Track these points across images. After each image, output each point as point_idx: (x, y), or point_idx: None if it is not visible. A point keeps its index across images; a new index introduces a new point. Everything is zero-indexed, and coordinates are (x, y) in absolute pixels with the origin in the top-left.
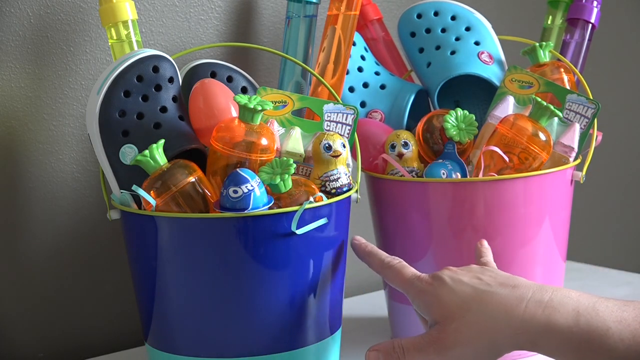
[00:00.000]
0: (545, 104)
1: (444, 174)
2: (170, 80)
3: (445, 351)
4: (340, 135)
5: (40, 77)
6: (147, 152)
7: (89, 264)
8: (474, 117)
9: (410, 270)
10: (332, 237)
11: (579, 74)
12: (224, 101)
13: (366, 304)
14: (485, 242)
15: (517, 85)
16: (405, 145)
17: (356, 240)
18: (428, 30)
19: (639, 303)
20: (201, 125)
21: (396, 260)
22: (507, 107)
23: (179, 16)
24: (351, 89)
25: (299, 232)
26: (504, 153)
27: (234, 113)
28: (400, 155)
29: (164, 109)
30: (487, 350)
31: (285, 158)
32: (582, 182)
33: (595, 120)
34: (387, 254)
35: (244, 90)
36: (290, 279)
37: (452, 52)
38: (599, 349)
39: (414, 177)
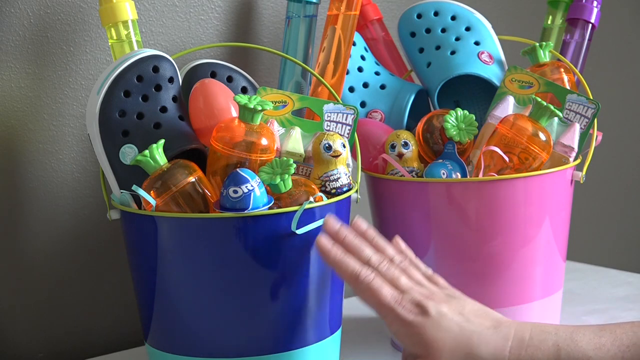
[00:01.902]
0: (545, 104)
1: (444, 174)
2: (170, 80)
3: None
4: (340, 135)
5: (40, 77)
6: (147, 152)
7: (89, 264)
8: (474, 117)
9: (388, 290)
10: None
11: (579, 74)
12: (224, 101)
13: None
14: (400, 241)
15: (517, 85)
16: (405, 145)
17: (323, 243)
18: (428, 30)
19: (614, 326)
20: (201, 125)
21: (371, 276)
22: (507, 107)
23: (179, 16)
24: (351, 89)
25: (299, 232)
26: (504, 153)
27: (234, 113)
28: (400, 155)
29: (164, 109)
30: None
31: (285, 158)
32: (582, 182)
33: (595, 120)
34: (360, 264)
35: (244, 90)
36: (290, 279)
37: (452, 52)
38: None
39: (414, 177)
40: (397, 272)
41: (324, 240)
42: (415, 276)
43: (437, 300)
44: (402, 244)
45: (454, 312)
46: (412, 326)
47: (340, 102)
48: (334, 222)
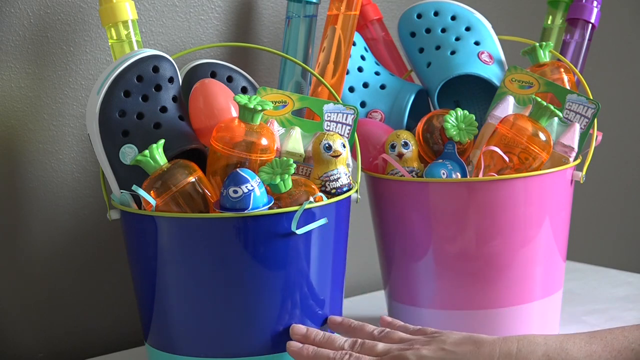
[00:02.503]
0: (545, 104)
1: (444, 174)
2: (170, 80)
3: None
4: (340, 135)
5: (40, 77)
6: (147, 152)
7: (89, 264)
8: (474, 117)
9: (365, 359)
10: (332, 237)
11: (579, 74)
12: (224, 101)
13: (366, 304)
14: (387, 318)
15: (517, 85)
16: (405, 145)
17: (292, 347)
18: (428, 30)
19: (604, 332)
20: (201, 125)
21: (346, 356)
22: (507, 107)
23: (179, 16)
24: (351, 89)
25: (299, 232)
26: (504, 153)
27: (234, 113)
28: (400, 155)
29: (164, 109)
30: None
31: (285, 158)
32: (582, 182)
33: (595, 120)
34: (333, 351)
35: (244, 90)
36: (290, 278)
37: (452, 52)
38: None
39: (414, 177)
40: (372, 342)
41: (292, 343)
42: (395, 338)
43: (416, 348)
44: (387, 320)
45: (435, 350)
46: None
47: (340, 102)
48: (299, 328)
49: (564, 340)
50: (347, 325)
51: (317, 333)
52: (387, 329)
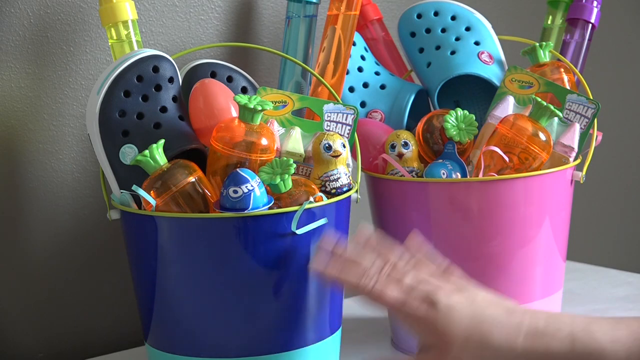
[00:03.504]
0: (545, 104)
1: (444, 174)
2: (170, 80)
3: None
4: (340, 135)
5: (40, 77)
6: (147, 152)
7: (89, 264)
8: (474, 117)
9: (392, 290)
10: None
11: (579, 74)
12: (224, 101)
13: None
14: (414, 241)
15: (517, 85)
16: (405, 145)
17: (316, 266)
18: (428, 30)
19: (631, 320)
20: (201, 125)
21: (371, 283)
22: (507, 107)
23: (179, 16)
24: (351, 89)
25: (299, 232)
26: (504, 153)
27: (234, 113)
28: (400, 155)
29: (164, 109)
30: None
31: (285, 158)
32: (582, 182)
33: (595, 120)
34: (359, 274)
35: (244, 90)
36: (290, 278)
37: (452, 52)
38: None
39: (414, 177)
40: (401, 272)
41: (315, 264)
42: (423, 272)
43: (446, 292)
44: (417, 240)
45: (465, 302)
46: (423, 321)
47: (340, 102)
48: (329, 241)
49: (590, 322)
50: (374, 245)
51: (344, 249)
52: (419, 257)
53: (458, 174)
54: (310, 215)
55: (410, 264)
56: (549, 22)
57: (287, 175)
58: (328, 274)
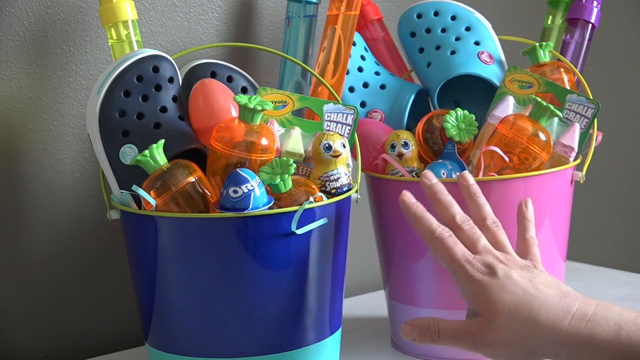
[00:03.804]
0: (545, 104)
1: (444, 174)
2: (170, 80)
3: (482, 346)
4: (340, 135)
5: (40, 77)
6: (147, 152)
7: (89, 264)
8: (474, 117)
9: (461, 248)
10: (332, 237)
11: (579, 74)
12: (224, 101)
13: (366, 304)
14: (530, 205)
15: (517, 85)
16: (405, 145)
17: (406, 198)
18: (428, 30)
19: None
20: (201, 125)
21: (447, 233)
22: (507, 107)
23: (179, 16)
24: (351, 89)
25: (299, 232)
26: (504, 153)
27: (234, 113)
28: (400, 155)
29: (164, 109)
30: (524, 355)
31: (285, 158)
32: (582, 182)
33: (595, 120)
34: (438, 222)
35: (244, 90)
36: (290, 279)
37: (452, 52)
38: None
39: (414, 177)
40: (479, 234)
41: (407, 194)
42: (502, 242)
43: (509, 266)
44: (528, 207)
45: (523, 278)
46: (478, 285)
47: (340, 102)
48: (430, 176)
49: (638, 316)
50: (472, 193)
51: (441, 189)
52: (500, 227)
53: (458, 174)
54: (310, 215)
55: (492, 229)
56: (549, 22)
57: (287, 175)
58: (413, 210)
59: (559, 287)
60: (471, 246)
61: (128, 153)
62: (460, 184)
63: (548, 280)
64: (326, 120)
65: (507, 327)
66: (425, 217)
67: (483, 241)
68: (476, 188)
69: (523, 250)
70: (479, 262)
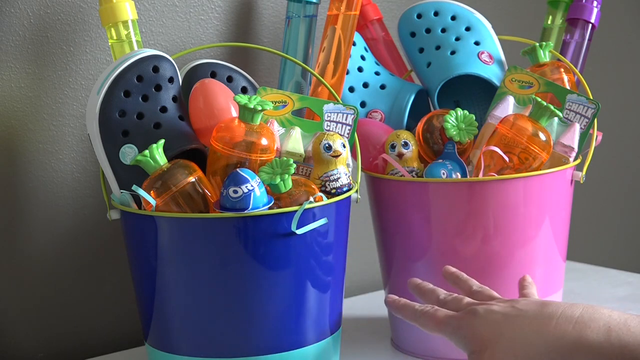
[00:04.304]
0: (545, 104)
1: (444, 174)
2: (170, 80)
3: None
4: (340, 135)
5: (40, 77)
6: (147, 152)
7: (89, 264)
8: (474, 117)
9: (443, 312)
10: (332, 237)
11: (579, 74)
12: (224, 101)
13: (366, 304)
14: (528, 278)
15: (517, 85)
16: (405, 145)
17: (389, 298)
18: (428, 30)
19: None
20: (201, 125)
21: (428, 307)
22: (507, 107)
23: (179, 16)
24: (351, 89)
25: (299, 232)
26: (504, 153)
27: (234, 113)
28: (400, 155)
29: (164, 109)
30: None
31: (285, 158)
32: (582, 182)
33: (595, 120)
34: (419, 304)
35: (244, 90)
36: (290, 279)
37: (452, 52)
38: None
39: (414, 177)
40: (463, 297)
41: (390, 296)
42: (489, 293)
43: (490, 303)
44: (452, 270)
45: (504, 306)
46: (464, 330)
47: (340, 102)
48: (414, 282)
49: (628, 318)
50: (422, 288)
51: (417, 285)
52: (486, 288)
53: (458, 174)
54: (310, 215)
55: (478, 294)
56: (549, 22)
57: (287, 175)
58: (397, 303)
59: (539, 301)
60: (456, 309)
61: (128, 153)
62: (445, 276)
63: (531, 300)
64: (326, 120)
65: (498, 352)
66: (409, 304)
67: (467, 300)
68: (457, 272)
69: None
70: (462, 314)
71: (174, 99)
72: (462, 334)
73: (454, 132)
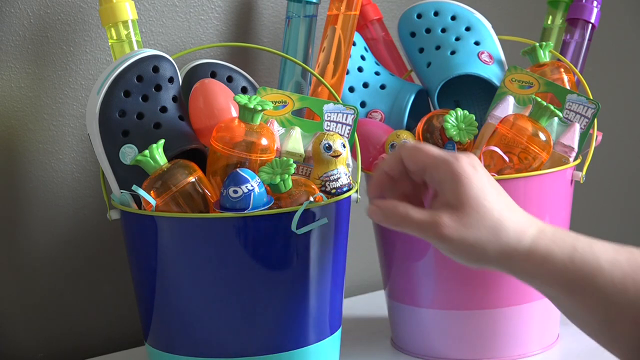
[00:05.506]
0: (545, 104)
1: None
2: (170, 80)
3: (445, 241)
4: (340, 135)
5: (40, 77)
6: (147, 152)
7: (89, 264)
8: (474, 117)
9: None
10: (332, 237)
11: (579, 74)
12: (224, 101)
13: (366, 304)
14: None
15: (517, 85)
16: None
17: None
18: (428, 30)
19: (634, 249)
20: (201, 125)
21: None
22: (507, 107)
23: (179, 16)
24: (351, 89)
25: (299, 232)
26: (504, 153)
27: (234, 113)
28: None
29: (164, 109)
30: (479, 259)
31: (285, 158)
32: (582, 182)
33: (595, 120)
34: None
35: (244, 90)
36: (290, 279)
37: (452, 52)
38: (589, 287)
39: None
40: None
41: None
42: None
43: (484, 169)
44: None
45: (498, 194)
46: (462, 177)
47: (340, 102)
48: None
49: (593, 242)
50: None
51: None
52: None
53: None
54: (310, 215)
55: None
56: (549, 22)
57: (287, 175)
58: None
59: (519, 208)
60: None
61: (128, 153)
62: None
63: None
64: (326, 120)
65: (477, 227)
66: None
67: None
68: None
69: None
70: (467, 162)
71: (174, 99)
72: (458, 181)
73: (454, 132)
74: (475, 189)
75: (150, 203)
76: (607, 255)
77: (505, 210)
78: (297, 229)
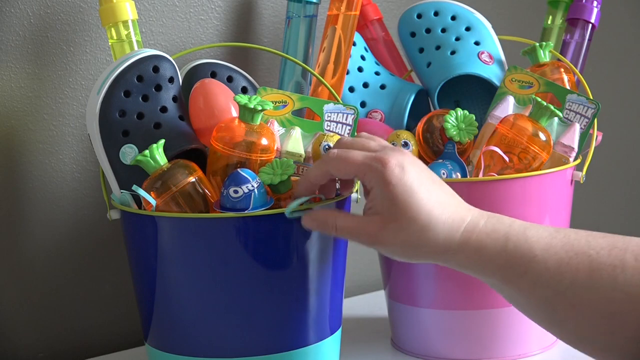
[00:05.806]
0: (545, 104)
1: (444, 174)
2: (171, 80)
3: (376, 244)
4: (340, 135)
5: (40, 77)
6: (147, 152)
7: (89, 264)
8: (474, 117)
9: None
10: (332, 237)
11: (579, 74)
12: (224, 101)
13: (366, 304)
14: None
15: (517, 85)
16: (405, 145)
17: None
18: (428, 30)
19: (570, 231)
20: (201, 125)
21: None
22: (507, 107)
23: (179, 16)
24: (351, 89)
25: (289, 216)
26: (504, 153)
27: (234, 113)
28: None
29: (164, 109)
30: (413, 255)
31: (285, 158)
32: (582, 182)
33: (595, 120)
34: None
35: (244, 90)
36: (290, 278)
37: (452, 52)
38: (524, 274)
39: None
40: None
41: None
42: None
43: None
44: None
45: (429, 182)
46: (392, 185)
47: (341, 102)
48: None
49: (528, 227)
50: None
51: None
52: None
53: (458, 174)
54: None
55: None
56: (549, 22)
57: (287, 176)
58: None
59: (451, 192)
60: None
61: (128, 153)
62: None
63: (438, 180)
64: (326, 120)
65: (406, 232)
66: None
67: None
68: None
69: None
70: (394, 163)
71: (174, 99)
72: (389, 191)
73: (454, 132)
74: (402, 194)
75: (150, 203)
76: (541, 242)
77: (436, 208)
78: (289, 214)
